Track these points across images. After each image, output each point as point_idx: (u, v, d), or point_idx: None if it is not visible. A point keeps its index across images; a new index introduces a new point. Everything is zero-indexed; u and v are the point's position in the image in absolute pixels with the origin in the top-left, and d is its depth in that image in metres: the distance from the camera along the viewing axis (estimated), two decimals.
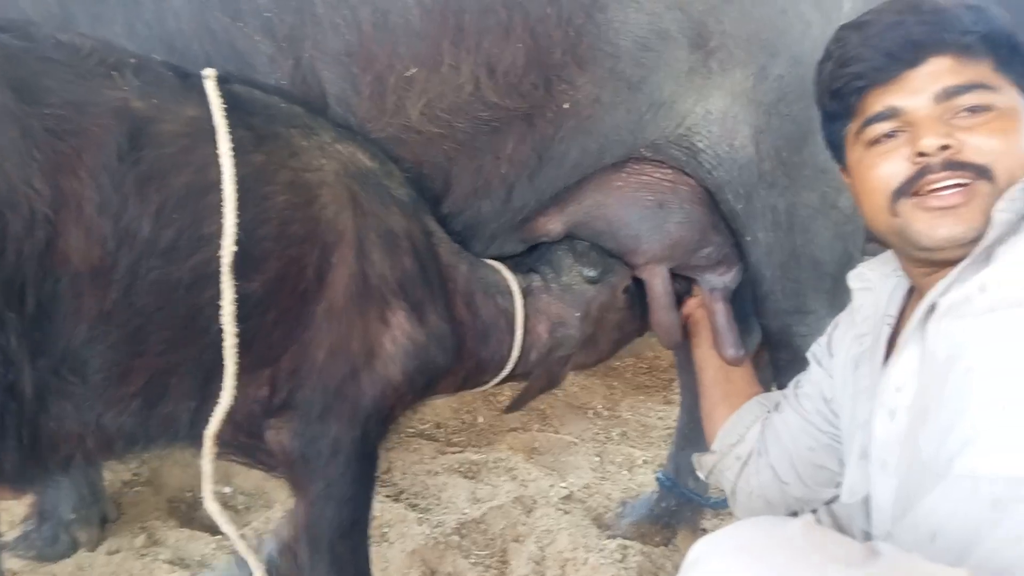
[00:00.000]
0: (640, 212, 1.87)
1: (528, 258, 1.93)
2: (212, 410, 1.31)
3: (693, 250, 1.92)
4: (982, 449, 1.09)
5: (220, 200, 1.23)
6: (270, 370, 1.36)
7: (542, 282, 1.87)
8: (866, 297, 1.52)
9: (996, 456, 1.07)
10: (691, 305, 2.04)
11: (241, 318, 1.26)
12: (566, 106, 1.66)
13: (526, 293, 1.82)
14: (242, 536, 1.45)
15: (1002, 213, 1.16)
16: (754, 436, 1.75)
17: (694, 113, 1.76)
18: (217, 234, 1.22)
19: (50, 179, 1.10)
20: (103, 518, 2.38)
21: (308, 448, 1.40)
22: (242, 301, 1.26)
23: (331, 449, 1.40)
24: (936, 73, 1.25)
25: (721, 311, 1.95)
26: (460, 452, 3.11)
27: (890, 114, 1.28)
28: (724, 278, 1.97)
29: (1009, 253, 1.17)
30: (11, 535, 2.29)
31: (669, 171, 1.85)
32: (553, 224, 1.88)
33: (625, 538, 2.49)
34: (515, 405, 2.01)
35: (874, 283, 1.50)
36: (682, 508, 2.55)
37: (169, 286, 1.21)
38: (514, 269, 1.87)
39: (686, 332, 2.06)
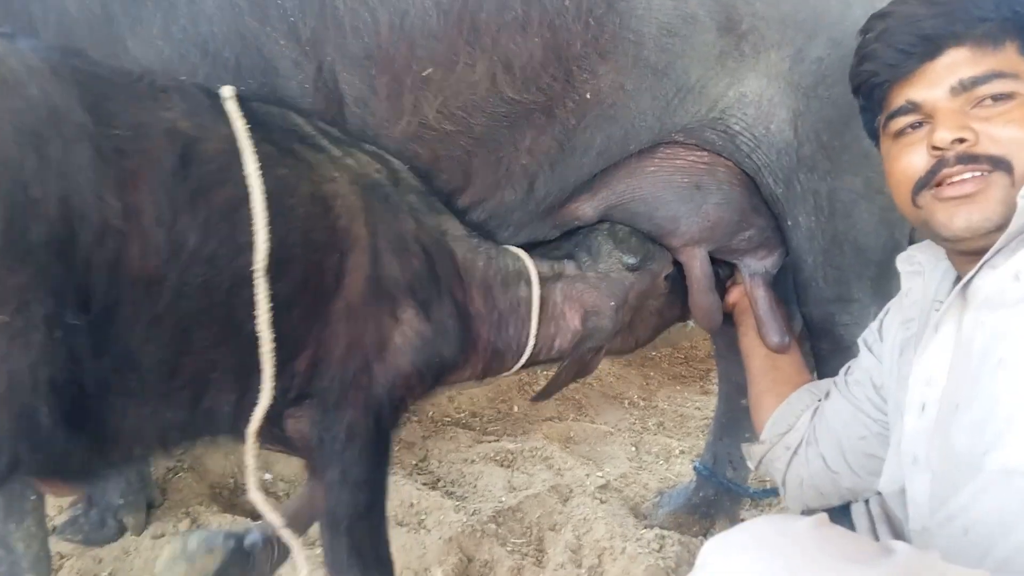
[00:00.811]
0: (677, 194, 1.84)
1: (567, 243, 1.91)
2: (249, 404, 1.41)
3: (733, 232, 1.89)
4: (1015, 442, 1.06)
5: (250, 213, 1.34)
6: (294, 363, 1.46)
7: (577, 269, 1.86)
8: (915, 281, 1.48)
9: None
10: (735, 293, 2.01)
11: (272, 318, 1.37)
12: (588, 96, 1.64)
13: (555, 280, 1.84)
14: (285, 525, 1.54)
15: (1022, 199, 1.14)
16: (804, 425, 1.72)
17: (727, 96, 1.72)
18: (251, 243, 1.33)
19: (119, 194, 1.21)
20: (149, 503, 2.44)
21: (325, 434, 1.50)
22: (272, 302, 1.36)
23: (346, 435, 1.50)
24: (953, 65, 1.25)
25: (763, 297, 1.91)
26: (496, 441, 3.12)
27: (911, 108, 1.29)
28: (765, 262, 1.93)
29: None
30: (59, 519, 2.35)
31: (704, 153, 1.82)
32: (584, 209, 1.86)
33: (662, 528, 2.47)
34: (543, 394, 2.01)
35: (924, 266, 1.46)
36: (720, 498, 2.52)
37: (211, 291, 1.31)
38: (548, 254, 1.87)
39: (727, 317, 2.02)
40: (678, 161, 1.82)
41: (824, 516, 1.01)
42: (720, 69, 1.69)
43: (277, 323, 1.37)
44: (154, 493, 2.48)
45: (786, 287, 2.08)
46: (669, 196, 1.83)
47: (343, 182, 1.49)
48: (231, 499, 2.60)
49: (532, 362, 1.88)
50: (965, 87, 1.24)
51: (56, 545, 2.29)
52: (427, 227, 1.61)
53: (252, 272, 1.33)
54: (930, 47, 1.26)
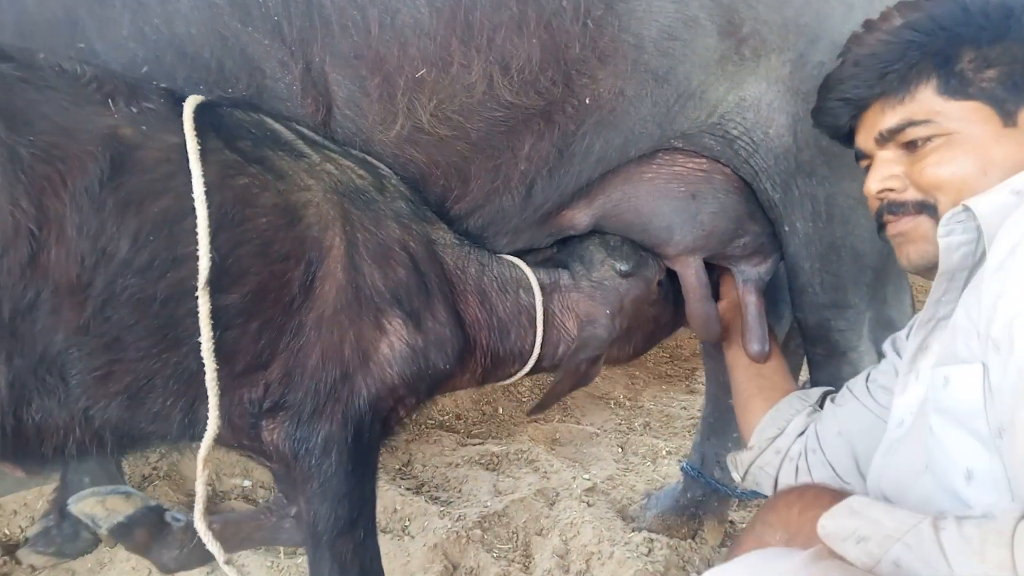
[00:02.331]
0: (672, 203, 1.80)
1: (559, 253, 1.89)
2: (207, 409, 1.39)
3: (728, 240, 1.85)
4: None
5: (195, 224, 1.31)
6: (263, 374, 1.43)
7: (571, 279, 1.85)
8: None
9: None
10: (721, 306, 1.97)
11: (223, 327, 1.35)
12: (587, 101, 1.60)
13: (552, 289, 1.82)
14: (228, 562, 1.54)
15: (944, 238, 1.19)
16: (795, 430, 1.70)
17: (727, 101, 1.69)
18: (194, 255, 1.30)
19: (35, 199, 1.19)
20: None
21: (300, 447, 1.47)
22: (221, 312, 1.35)
23: (323, 448, 1.47)
24: (873, 118, 1.35)
25: (753, 303, 1.89)
26: (481, 444, 3.08)
27: (860, 154, 1.42)
28: (759, 268, 1.90)
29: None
30: (31, 531, 2.29)
31: (703, 160, 1.78)
32: (580, 217, 1.82)
33: (650, 531, 2.45)
34: (540, 407, 1.99)
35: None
36: (708, 499, 2.50)
37: (148, 301, 1.30)
38: (542, 264, 1.84)
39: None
40: (676, 168, 1.79)
41: (822, 548, 0.99)
42: (720, 74, 1.66)
43: (230, 331, 1.36)
44: None
45: (775, 292, 2.06)
46: (665, 205, 1.80)
47: (318, 190, 1.46)
48: (209, 506, 2.53)
49: (536, 370, 1.86)
50: (885, 138, 1.33)
51: (28, 558, 2.23)
52: (415, 235, 1.58)
53: (194, 284, 1.31)
54: (854, 107, 1.38)
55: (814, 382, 1.97)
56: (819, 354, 1.96)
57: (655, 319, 1.95)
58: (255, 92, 1.49)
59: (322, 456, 1.46)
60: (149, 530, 1.65)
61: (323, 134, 1.56)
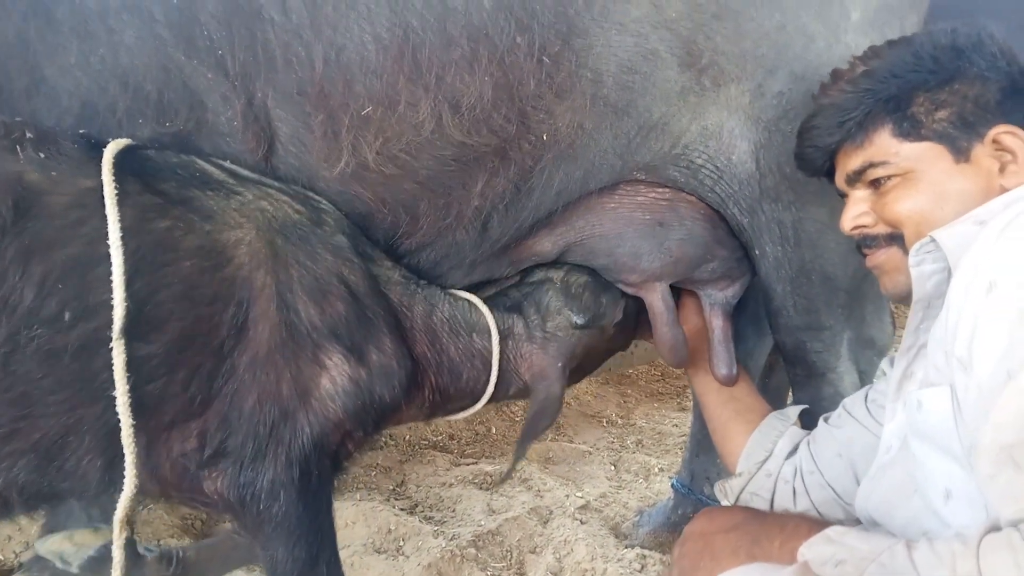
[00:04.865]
0: (638, 231, 1.80)
1: (518, 291, 1.86)
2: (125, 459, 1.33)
3: (696, 266, 1.85)
4: None
5: (110, 271, 1.26)
6: (197, 423, 1.39)
7: (524, 329, 1.81)
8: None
9: None
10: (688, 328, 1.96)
11: (146, 379, 1.30)
12: (544, 136, 1.59)
13: (507, 335, 1.79)
14: None
15: (915, 268, 1.26)
16: (783, 451, 1.70)
17: (690, 131, 1.69)
18: (107, 303, 1.25)
19: None
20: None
21: (245, 493, 1.43)
22: (142, 362, 1.29)
23: (269, 491, 1.43)
24: (841, 162, 1.44)
25: (720, 327, 1.88)
26: (474, 463, 3.09)
27: (839, 192, 1.49)
28: (726, 292, 1.89)
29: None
30: (25, 556, 2.28)
31: (666, 190, 1.78)
32: (543, 245, 1.81)
33: (643, 547, 2.46)
34: (520, 453, 1.96)
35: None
36: None
37: (58, 352, 1.24)
38: (496, 304, 1.81)
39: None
40: (639, 198, 1.79)
41: (806, 566, 1.03)
42: (682, 105, 1.66)
43: (155, 382, 1.32)
44: None
45: (757, 308, 2.07)
46: (630, 233, 1.80)
47: (250, 228, 1.43)
48: (204, 530, 2.55)
49: (486, 404, 1.85)
50: (852, 179, 1.41)
51: None
52: (356, 269, 1.55)
53: (109, 333, 1.26)
54: (824, 152, 1.46)
55: (796, 400, 1.97)
56: (799, 375, 1.97)
57: (608, 350, 1.95)
58: (195, 126, 1.47)
59: (270, 500, 1.43)
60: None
61: (265, 171, 1.53)
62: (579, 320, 1.81)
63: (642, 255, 1.81)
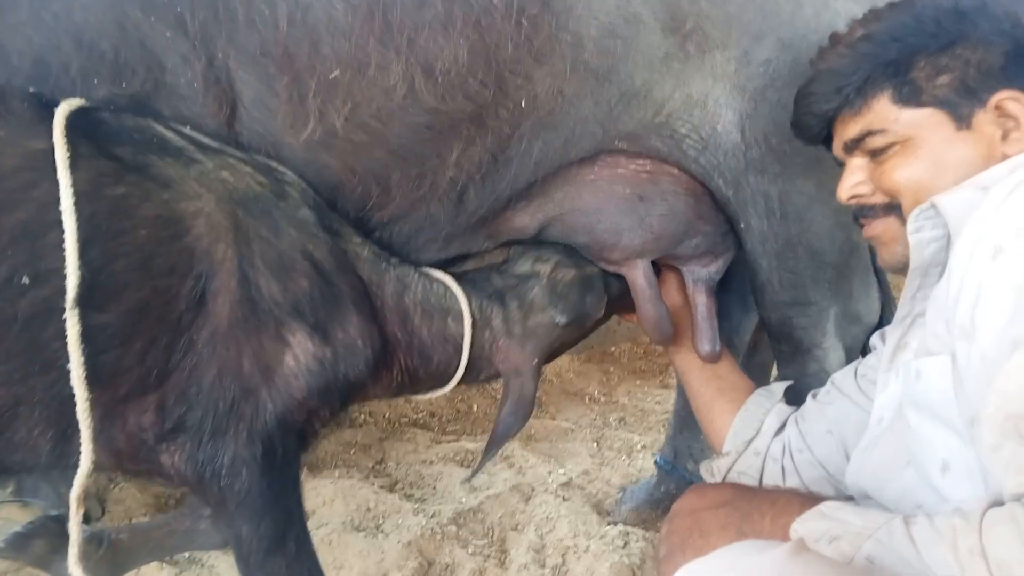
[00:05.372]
0: (618, 206, 1.74)
1: (502, 279, 1.81)
2: (78, 443, 1.29)
3: (679, 242, 1.81)
4: None
5: (63, 237, 1.20)
6: (154, 396, 1.36)
7: (503, 322, 1.76)
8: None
9: None
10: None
11: (100, 349, 1.26)
12: (523, 103, 1.52)
13: (484, 325, 1.74)
14: None
15: (913, 235, 1.23)
16: (770, 429, 1.67)
17: (673, 99, 1.63)
18: (59, 271, 1.20)
19: None
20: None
21: (204, 469, 1.39)
22: (97, 332, 1.25)
23: (230, 468, 1.40)
24: (839, 129, 1.39)
25: (703, 303, 1.84)
26: (455, 441, 3.07)
27: (836, 161, 1.44)
28: (709, 268, 1.85)
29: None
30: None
31: (647, 162, 1.72)
32: (521, 220, 1.75)
33: (626, 524, 2.45)
34: (495, 444, 1.91)
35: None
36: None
37: (3, 322, 1.20)
38: (478, 290, 1.77)
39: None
40: (619, 170, 1.73)
41: (802, 541, 1.01)
42: (666, 72, 1.60)
43: (108, 353, 1.27)
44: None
45: (742, 284, 2.05)
46: (611, 208, 1.74)
47: (210, 199, 1.38)
48: (177, 508, 2.50)
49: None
50: (850, 147, 1.37)
51: None
52: (321, 244, 1.50)
53: (61, 302, 1.20)
54: (821, 120, 1.41)
55: (781, 377, 1.94)
56: (784, 351, 1.93)
57: (585, 334, 1.92)
58: (153, 88, 1.40)
59: (231, 476, 1.39)
60: (49, 541, 1.56)
61: (227, 136, 1.47)
62: (562, 320, 1.78)
63: (623, 232, 1.76)
